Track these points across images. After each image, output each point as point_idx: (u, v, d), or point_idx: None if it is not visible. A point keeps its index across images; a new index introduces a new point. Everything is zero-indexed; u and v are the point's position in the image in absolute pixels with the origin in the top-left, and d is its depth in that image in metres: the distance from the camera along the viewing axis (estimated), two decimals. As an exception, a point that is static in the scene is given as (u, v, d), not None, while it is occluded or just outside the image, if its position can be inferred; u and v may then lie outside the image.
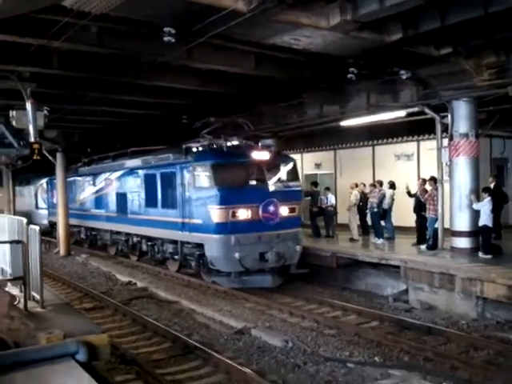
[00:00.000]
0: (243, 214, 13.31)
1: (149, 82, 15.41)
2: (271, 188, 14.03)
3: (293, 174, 15.07)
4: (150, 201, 16.67)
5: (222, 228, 13.21)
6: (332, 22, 9.97)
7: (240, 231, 13.17)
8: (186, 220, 14.37)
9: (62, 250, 22.21)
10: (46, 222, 27.94)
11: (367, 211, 17.43)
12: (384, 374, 8.14)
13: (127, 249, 19.54)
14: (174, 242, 15.56)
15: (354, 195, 17.66)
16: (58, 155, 22.49)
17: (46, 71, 13.32)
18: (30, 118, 13.34)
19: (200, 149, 14.87)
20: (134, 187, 17.86)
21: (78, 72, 13.75)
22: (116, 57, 13.03)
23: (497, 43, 11.94)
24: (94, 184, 21.84)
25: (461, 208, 13.86)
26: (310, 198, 18.71)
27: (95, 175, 21.73)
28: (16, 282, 8.67)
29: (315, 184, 19.29)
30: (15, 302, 7.78)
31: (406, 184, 16.32)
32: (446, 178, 14.47)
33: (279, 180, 14.59)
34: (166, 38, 10.52)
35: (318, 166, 24.12)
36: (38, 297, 8.19)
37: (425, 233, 15.10)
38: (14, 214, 23.18)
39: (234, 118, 16.54)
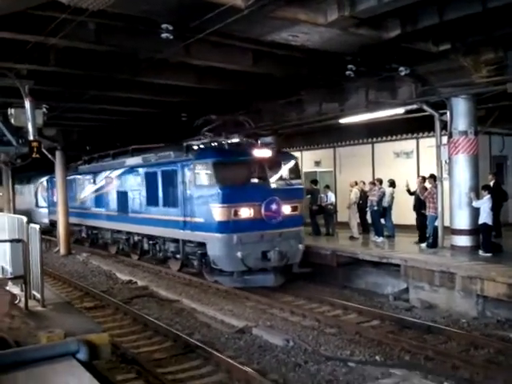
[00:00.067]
0: (245, 212, 13.21)
1: (147, 79, 15.39)
2: (273, 186, 13.93)
3: (295, 172, 14.95)
4: (151, 199, 16.58)
5: (224, 227, 13.12)
6: (330, 18, 9.97)
7: (242, 230, 13.07)
8: (188, 219, 14.27)
9: (62, 248, 22.19)
10: (46, 220, 27.88)
11: (367, 209, 17.42)
12: (385, 373, 8.12)
13: (128, 248, 19.44)
14: (176, 241, 15.46)
15: (354, 193, 17.64)
16: (57, 153, 22.46)
17: (43, 68, 13.28)
18: (28, 115, 13.28)
19: (201, 146, 14.79)
20: (135, 185, 17.77)
21: (75, 69, 13.73)
22: (114, 54, 12.99)
23: (495, 40, 11.92)
24: (94, 182, 21.74)
25: (460, 206, 13.84)
26: (309, 196, 18.67)
27: (96, 173, 21.63)
28: (17, 280, 8.65)
29: (315, 182, 19.27)
30: (16, 301, 7.74)
31: (406, 182, 16.31)
32: (445, 175, 14.44)
33: (281, 178, 14.49)
34: (163, 35, 10.51)
35: (317, 163, 24.13)
36: (38, 296, 8.17)
37: (426, 231, 15.08)
38: (14, 212, 23.12)
39: (235, 116, 16.47)
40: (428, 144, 17.37)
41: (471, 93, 13.47)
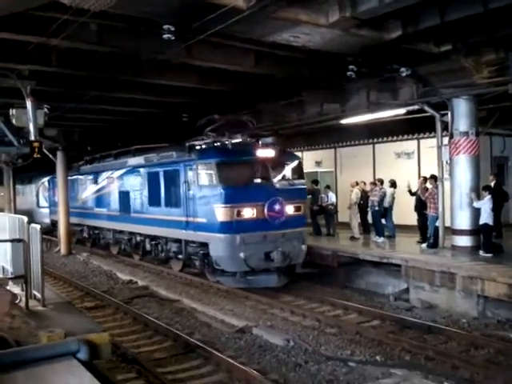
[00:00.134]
0: (248, 212, 13.14)
1: (148, 80, 15.39)
2: (276, 186, 13.81)
3: (298, 172, 14.85)
4: (154, 199, 16.53)
5: (227, 227, 13.07)
6: (331, 19, 9.97)
7: (245, 230, 13.00)
8: (190, 219, 14.21)
9: (62, 248, 22.21)
10: (47, 220, 27.90)
11: (368, 209, 17.43)
12: (385, 373, 8.12)
13: (130, 248, 19.39)
14: (178, 241, 15.41)
15: (355, 193, 17.65)
16: (59, 153, 22.48)
17: (45, 69, 13.30)
18: (29, 116, 13.32)
19: (204, 146, 14.75)
20: (137, 185, 17.71)
21: (77, 70, 13.74)
22: (115, 55, 13.01)
23: (496, 40, 11.93)
24: (96, 182, 21.72)
25: (461, 206, 13.85)
26: (310, 196, 18.66)
27: (97, 173, 21.59)
28: (17, 280, 8.69)
29: (316, 182, 19.26)
30: (16, 301, 7.77)
31: (407, 182, 16.30)
32: (446, 176, 14.44)
33: (284, 178, 14.41)
34: (165, 36, 10.51)
35: (318, 164, 24.12)
36: (39, 295, 8.20)
37: (427, 231, 15.09)
38: (15, 212, 23.15)
39: (238, 116, 16.42)
40: (429, 145, 17.37)
41: (472, 94, 13.48)
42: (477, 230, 13.57)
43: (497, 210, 14.02)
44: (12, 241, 8.85)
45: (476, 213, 13.41)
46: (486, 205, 13.04)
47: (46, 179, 29.68)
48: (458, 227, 13.94)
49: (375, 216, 16.85)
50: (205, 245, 13.83)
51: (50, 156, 21.75)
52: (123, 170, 19.04)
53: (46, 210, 29.08)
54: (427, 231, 15.05)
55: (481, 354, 9.00)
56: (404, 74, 13.45)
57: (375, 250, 14.91)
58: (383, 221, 16.96)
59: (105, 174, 20.82)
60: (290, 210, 13.74)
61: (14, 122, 14.02)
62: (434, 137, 15.67)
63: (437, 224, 14.48)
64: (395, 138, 20.19)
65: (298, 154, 22.26)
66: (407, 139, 19.82)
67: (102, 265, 18.64)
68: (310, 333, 10.33)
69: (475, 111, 13.91)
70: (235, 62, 13.61)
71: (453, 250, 13.90)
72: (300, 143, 23.76)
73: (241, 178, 13.59)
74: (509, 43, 12.01)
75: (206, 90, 16.79)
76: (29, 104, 13.23)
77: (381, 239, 16.29)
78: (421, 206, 15.45)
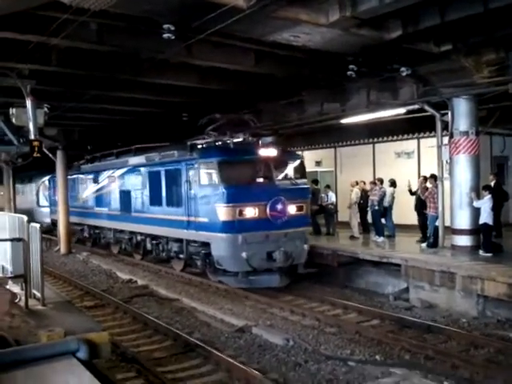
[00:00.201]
0: (250, 212, 13.07)
1: (148, 80, 15.39)
2: (279, 186, 13.75)
3: (300, 172, 14.76)
4: (155, 199, 16.48)
5: (229, 227, 12.99)
6: (331, 18, 9.97)
7: (247, 230, 12.92)
8: (192, 218, 14.15)
9: (62, 248, 22.20)
10: (48, 220, 27.87)
11: (368, 209, 17.43)
12: (385, 373, 8.12)
13: (131, 247, 19.32)
14: (179, 241, 15.35)
15: (355, 193, 17.66)
16: (59, 153, 22.47)
17: (45, 68, 13.29)
18: (29, 115, 13.31)
19: (205, 146, 14.69)
20: (138, 185, 17.66)
21: (77, 69, 13.73)
22: (115, 54, 12.99)
23: (497, 40, 11.93)
24: (97, 182, 21.67)
25: (461, 206, 13.85)
26: (310, 195, 18.64)
27: (98, 173, 21.55)
28: (17, 279, 8.69)
29: (316, 182, 19.26)
30: (16, 300, 7.77)
31: (407, 182, 16.29)
32: (446, 175, 14.45)
33: (287, 177, 14.34)
34: (165, 35, 10.51)
35: (318, 163, 24.13)
36: (38, 295, 8.20)
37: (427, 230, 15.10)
38: (15, 211, 23.17)
39: (240, 115, 16.37)
40: (429, 144, 17.38)
41: (472, 93, 13.49)
42: (477, 230, 13.57)
43: (497, 209, 14.03)
44: (12, 240, 8.85)
45: (476, 212, 13.41)
46: (485, 204, 13.04)
47: (46, 178, 29.67)
48: (458, 227, 13.95)
49: (375, 215, 16.85)
50: (206, 244, 13.77)
51: (50, 155, 21.75)
52: (124, 169, 19.00)
53: (47, 210, 29.06)
54: (427, 231, 15.05)
55: (480, 354, 9.00)
56: (404, 74, 13.45)
57: (375, 249, 14.91)
58: (383, 220, 16.97)
59: (106, 173, 20.77)
60: (292, 209, 13.66)
61: (13, 121, 13.99)
62: (434, 136, 15.68)
63: (436, 223, 14.49)
64: (395, 137, 20.20)
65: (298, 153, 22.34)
66: (407, 139, 19.83)
67: (102, 264, 18.64)
68: (309, 332, 10.33)
69: (475, 111, 13.91)
70: (235, 62, 13.59)
71: (453, 249, 13.91)
72: (300, 143, 23.76)
73: (243, 178, 13.52)
74: (509, 43, 12.01)
75: (206, 90, 16.78)
76: (29, 103, 13.22)
77: (380, 239, 16.29)
78: (421, 206, 15.46)
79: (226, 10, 8.70)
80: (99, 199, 21.44)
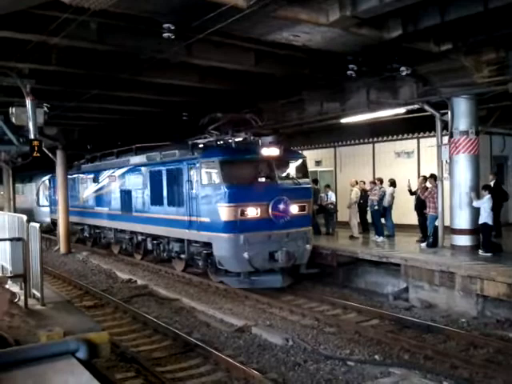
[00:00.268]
0: (252, 212, 12.94)
1: (148, 79, 15.39)
2: (281, 185, 13.59)
3: (303, 171, 14.63)
4: (156, 198, 16.39)
5: (231, 227, 12.87)
6: (331, 18, 9.97)
7: (249, 230, 12.79)
8: (193, 218, 14.04)
9: (62, 247, 22.18)
10: (48, 219, 27.80)
11: (368, 209, 17.43)
12: (384, 373, 8.13)
13: (131, 247, 19.23)
14: (181, 241, 15.25)
15: (355, 193, 17.66)
16: (58, 152, 22.45)
17: (44, 68, 13.30)
18: (29, 114, 13.30)
19: (207, 145, 14.60)
20: (139, 184, 17.56)
21: (76, 69, 13.74)
22: (115, 53, 13.00)
23: (497, 40, 11.93)
24: (97, 181, 21.57)
25: (461, 206, 13.85)
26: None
27: (99, 172, 21.45)
28: (16, 279, 8.67)
29: (315, 181, 19.24)
30: (15, 300, 7.76)
31: (407, 182, 16.28)
32: (445, 175, 14.45)
33: (289, 177, 14.23)
34: (165, 35, 10.53)
35: (318, 163, 24.11)
36: (38, 294, 8.19)
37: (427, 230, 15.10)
38: (15, 211, 23.18)
39: (242, 114, 16.31)
40: (429, 144, 17.38)
41: (472, 93, 13.49)
42: (476, 230, 13.58)
43: (496, 209, 14.03)
44: (11, 240, 8.84)
45: (475, 212, 13.41)
46: (485, 204, 13.04)
47: (46, 178, 29.60)
48: (458, 226, 13.95)
49: (375, 215, 16.85)
50: (208, 244, 13.67)
51: (50, 155, 21.73)
52: (125, 169, 18.91)
53: (47, 209, 29.00)
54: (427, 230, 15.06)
55: (480, 354, 9.00)
56: (404, 73, 13.46)
57: (375, 249, 14.90)
58: (383, 220, 16.97)
59: (106, 173, 20.67)
60: (294, 209, 13.53)
61: (13, 120, 13.99)
62: (433, 136, 15.69)
63: (436, 223, 14.49)
64: (395, 137, 20.19)
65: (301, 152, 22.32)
66: (407, 138, 19.82)
67: (102, 264, 18.64)
68: (309, 332, 10.33)
69: (475, 110, 13.91)
70: (235, 61, 13.60)
71: (452, 249, 13.92)
72: (300, 142, 23.77)
73: (245, 177, 13.40)
74: (509, 42, 12.02)
75: (206, 89, 16.78)
76: (28, 103, 13.22)
77: (380, 238, 16.28)
78: (421, 206, 15.44)
79: (225, 9, 8.71)
80: (100, 199, 21.36)
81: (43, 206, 30.23)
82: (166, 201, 15.80)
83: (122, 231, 19.60)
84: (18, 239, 8.43)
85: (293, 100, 17.84)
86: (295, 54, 13.08)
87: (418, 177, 16.86)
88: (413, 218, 16.54)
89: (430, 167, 16.31)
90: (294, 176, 14.36)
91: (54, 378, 4.06)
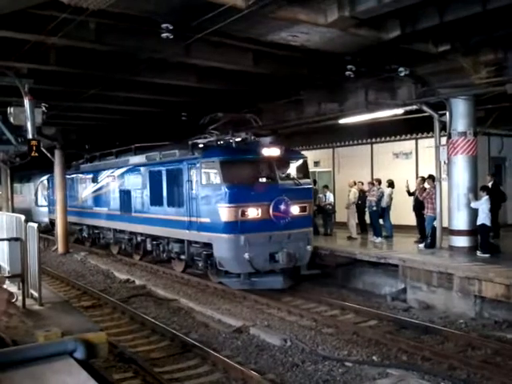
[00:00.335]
0: (253, 212, 12.83)
1: (147, 79, 15.40)
2: (282, 186, 13.45)
3: (304, 171, 14.55)
4: (156, 198, 16.29)
5: (232, 227, 12.77)
6: (330, 18, 9.97)
7: (250, 231, 12.70)
8: (194, 219, 13.94)
9: (60, 247, 22.12)
10: (46, 219, 27.73)
11: (366, 209, 17.43)
12: (382, 373, 8.13)
13: (131, 248, 19.12)
14: (180, 242, 15.15)
15: (353, 193, 17.67)
16: (57, 152, 22.40)
17: (43, 67, 13.30)
18: (27, 114, 13.28)
19: (207, 145, 14.51)
20: (138, 184, 17.45)
21: (75, 68, 13.74)
22: (113, 53, 13.00)
23: (495, 40, 11.95)
24: (96, 181, 21.48)
25: (459, 207, 13.86)
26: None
27: (98, 172, 21.36)
28: (14, 279, 8.65)
29: (314, 182, 19.22)
30: (13, 300, 7.75)
31: (406, 182, 16.27)
32: (444, 176, 14.45)
33: (290, 177, 14.17)
34: (164, 35, 10.53)
35: (316, 163, 24.10)
36: (36, 294, 8.18)
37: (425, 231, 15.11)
38: (13, 211, 23.13)
39: (242, 114, 16.25)
40: (427, 144, 17.41)
41: (470, 94, 13.50)
42: (474, 231, 13.57)
43: (494, 210, 14.05)
44: (9, 240, 8.84)
45: (473, 213, 13.42)
46: (483, 205, 13.04)
47: (44, 178, 29.53)
48: (456, 227, 13.96)
49: (373, 216, 16.86)
50: (208, 245, 13.58)
51: (48, 155, 21.69)
52: (124, 169, 18.82)
53: (45, 209, 28.92)
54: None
55: (478, 355, 8.99)
56: (402, 74, 13.47)
57: (373, 250, 14.91)
58: (381, 221, 16.97)
59: (105, 173, 20.57)
60: (295, 210, 13.44)
61: (11, 120, 13.99)
62: (432, 137, 15.69)
63: (434, 224, 14.50)
64: (393, 137, 20.20)
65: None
66: (405, 139, 19.83)
67: (100, 264, 18.60)
68: (307, 333, 10.31)
69: (473, 111, 13.92)
70: (234, 62, 13.60)
71: (450, 250, 13.93)
72: (298, 143, 23.72)
73: (245, 177, 13.31)
74: (507, 43, 12.04)
75: (205, 89, 16.79)
76: (27, 102, 13.20)
77: (378, 239, 16.30)
78: (419, 206, 15.45)
79: (224, 9, 8.71)
80: (98, 199, 21.27)
81: (42, 206, 30.18)
82: (165, 201, 15.70)
83: (121, 232, 19.49)
84: (16, 239, 8.42)
85: (291, 100, 17.83)
86: (293, 54, 13.08)
87: (416, 178, 16.87)
88: (411, 219, 16.56)
89: (428, 168, 16.32)
90: (295, 176, 14.25)
91: (52, 378, 4.04)
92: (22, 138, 14.89)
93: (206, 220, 13.52)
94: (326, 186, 19.21)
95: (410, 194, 16.17)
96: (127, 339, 10.14)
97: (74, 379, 4.09)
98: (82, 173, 23.31)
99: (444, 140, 14.44)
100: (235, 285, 13.32)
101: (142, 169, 17.45)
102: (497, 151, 19.73)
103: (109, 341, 6.89)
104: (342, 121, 17.28)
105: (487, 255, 12.85)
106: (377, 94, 15.81)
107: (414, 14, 10.66)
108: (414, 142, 19.53)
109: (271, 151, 13.49)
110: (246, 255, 12.53)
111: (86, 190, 22.78)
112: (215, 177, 13.32)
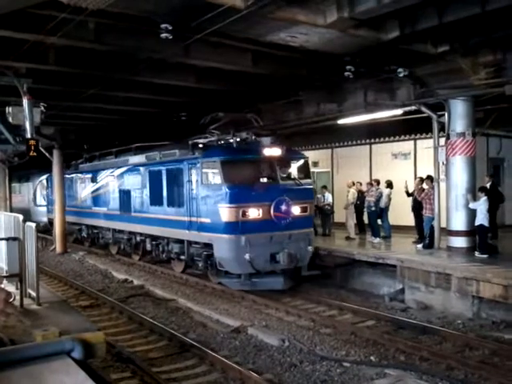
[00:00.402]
0: (254, 213, 12.76)
1: (146, 79, 15.38)
2: (283, 186, 13.39)
3: (305, 172, 14.49)
4: (155, 198, 16.22)
5: (232, 227, 12.70)
6: (329, 19, 9.97)
7: (251, 231, 12.62)
8: (194, 219, 13.88)
9: (58, 247, 22.12)
10: (45, 219, 27.69)
11: (364, 210, 17.44)
12: (380, 374, 8.14)
13: (130, 248, 19.06)
14: (180, 242, 15.10)
15: (352, 194, 17.70)
16: (55, 152, 22.41)
17: (41, 67, 13.29)
18: (26, 114, 13.25)
19: (208, 145, 14.46)
20: (138, 184, 17.38)
21: (74, 68, 13.73)
22: (113, 53, 12.99)
23: (494, 41, 11.97)
24: (96, 181, 21.41)
25: (457, 207, 13.88)
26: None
27: (97, 172, 21.28)
28: (12, 279, 8.65)
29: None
30: (11, 299, 7.75)
31: (405, 183, 16.27)
32: (442, 177, 14.47)
33: (291, 177, 14.04)
34: (163, 35, 10.52)
35: (315, 164, 24.10)
36: (34, 294, 8.19)
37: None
38: (11, 211, 23.08)
39: (243, 114, 16.21)
40: (425, 145, 17.40)
41: (469, 95, 13.52)
42: (472, 231, 13.59)
43: (492, 211, 14.07)
44: (7, 239, 8.84)
45: (472, 214, 13.43)
46: (481, 206, 13.06)
47: (43, 177, 29.49)
48: (454, 228, 13.98)
49: (371, 216, 16.88)
50: (208, 246, 13.52)
51: (47, 154, 21.67)
52: (124, 169, 18.75)
53: (44, 209, 28.88)
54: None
55: (475, 355, 9.01)
56: (401, 75, 13.48)
57: (371, 250, 14.92)
58: (379, 221, 16.99)
59: (105, 173, 20.50)
60: (296, 210, 13.37)
61: (10, 119, 13.96)
62: (430, 137, 15.71)
63: (433, 224, 14.51)
64: (392, 138, 20.23)
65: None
66: (404, 140, 19.87)
67: (98, 264, 18.60)
68: (305, 333, 10.32)
69: (472, 112, 13.94)
70: (232, 62, 13.60)
71: (448, 250, 13.94)
72: (297, 143, 23.70)
73: (246, 178, 13.23)
74: (506, 44, 12.05)
75: (204, 90, 16.78)
76: (25, 102, 13.17)
77: (376, 239, 16.31)
78: (417, 207, 15.46)
79: (223, 10, 8.72)
80: (98, 199, 21.21)
81: (40, 206, 30.15)
82: (165, 201, 15.64)
83: (121, 232, 19.43)
84: (14, 239, 8.43)
85: (290, 101, 17.83)
86: (293, 54, 13.08)
87: (415, 178, 16.88)
88: (409, 220, 16.57)
89: (426, 169, 16.34)
90: (296, 176, 14.19)
91: (50, 377, 4.04)
92: (20, 138, 14.87)
93: (207, 220, 13.45)
94: (324, 187, 19.21)
95: (408, 194, 16.19)
96: (125, 339, 10.14)
97: (72, 379, 4.09)
98: (82, 172, 23.26)
99: (443, 141, 14.46)
100: (235, 285, 13.24)
101: (141, 168, 17.38)
102: (495, 152, 19.75)
103: (107, 340, 6.88)
104: (340, 121, 17.28)
105: (485, 256, 12.87)
106: (376, 95, 15.82)
107: (414, 15, 10.66)
108: (412, 142, 19.56)
109: (272, 151, 13.40)
110: (247, 256, 12.45)
111: (85, 190, 22.72)
112: (216, 177, 13.23)
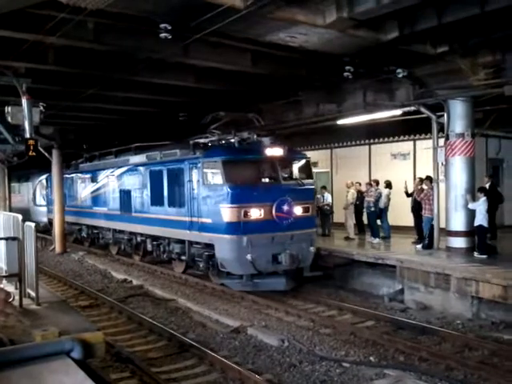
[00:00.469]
0: (256, 213, 12.67)
1: (145, 79, 15.38)
2: (285, 186, 13.31)
3: (306, 172, 14.41)
4: (156, 198, 16.15)
5: (234, 228, 12.61)
6: (328, 19, 9.98)
7: (252, 231, 12.53)
8: (195, 219, 13.80)
9: (57, 247, 22.10)
10: (45, 219, 27.63)
11: (364, 210, 17.44)
12: (379, 374, 8.14)
13: (130, 248, 19.00)
14: (181, 242, 15.03)
15: (351, 194, 17.70)
16: (54, 152, 22.38)
17: (41, 67, 13.29)
18: (25, 114, 13.25)
19: (209, 144, 14.38)
20: (139, 184, 17.31)
21: (73, 68, 13.73)
22: (112, 53, 13.00)
23: (493, 42, 11.97)
24: (95, 181, 21.32)
25: (456, 208, 13.89)
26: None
27: (97, 172, 21.18)
28: (11, 278, 8.65)
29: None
30: (10, 299, 7.74)
31: (405, 183, 16.27)
32: (441, 177, 14.47)
33: (293, 178, 14.00)
34: (162, 35, 10.52)
35: (314, 164, 24.06)
36: (33, 294, 8.18)
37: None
38: (10, 210, 23.06)
39: (244, 114, 16.18)
40: (425, 146, 17.41)
41: (468, 95, 13.53)
42: (472, 232, 13.60)
43: (492, 211, 14.08)
44: (6, 239, 8.82)
45: (471, 214, 13.44)
46: (480, 206, 13.07)
47: (43, 177, 29.42)
48: (453, 228, 13.99)
49: (371, 217, 16.88)
50: (210, 246, 13.45)
51: (46, 154, 21.66)
52: (124, 168, 18.65)
53: (44, 209, 28.82)
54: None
55: (475, 356, 9.01)
56: (400, 75, 13.49)
57: (370, 250, 14.92)
58: (378, 221, 16.99)
59: (105, 173, 20.40)
60: (298, 210, 13.29)
61: (9, 119, 13.95)
62: (429, 138, 15.71)
63: (432, 224, 14.52)
64: (391, 138, 20.23)
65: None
66: (403, 140, 19.87)
67: (97, 264, 18.58)
68: (304, 333, 10.32)
69: (471, 113, 13.95)
70: (232, 62, 13.60)
71: (447, 251, 13.95)
72: (297, 143, 23.68)
73: (248, 178, 13.17)
74: (505, 45, 12.05)
75: (204, 90, 16.78)
76: (24, 102, 13.16)
77: (376, 240, 16.32)
78: (417, 207, 15.47)
79: (223, 10, 8.72)
80: (98, 198, 21.12)
81: (40, 206, 30.12)
82: (166, 201, 15.56)
83: (121, 232, 19.34)
84: (14, 238, 8.42)
85: (290, 101, 17.83)
86: (292, 55, 13.08)
87: (414, 178, 16.90)
88: (408, 220, 16.58)
89: (425, 169, 16.33)
90: (298, 176, 14.13)
91: (49, 377, 4.04)
92: (19, 138, 14.86)
93: (208, 220, 13.39)
94: (324, 187, 19.21)
95: (408, 195, 16.19)
96: (124, 339, 10.14)
97: (71, 379, 4.09)
98: (81, 172, 23.18)
99: (442, 141, 14.47)
100: (237, 286, 13.19)
101: (142, 168, 17.31)
102: (494, 153, 19.77)
103: (106, 340, 6.88)
104: (340, 122, 17.29)
105: (484, 256, 12.88)
106: (375, 95, 15.83)
107: (413, 16, 10.67)
108: (411, 143, 19.57)
109: (274, 151, 13.32)
110: (249, 256, 12.38)
111: (85, 190, 22.65)
112: (217, 177, 13.13)
